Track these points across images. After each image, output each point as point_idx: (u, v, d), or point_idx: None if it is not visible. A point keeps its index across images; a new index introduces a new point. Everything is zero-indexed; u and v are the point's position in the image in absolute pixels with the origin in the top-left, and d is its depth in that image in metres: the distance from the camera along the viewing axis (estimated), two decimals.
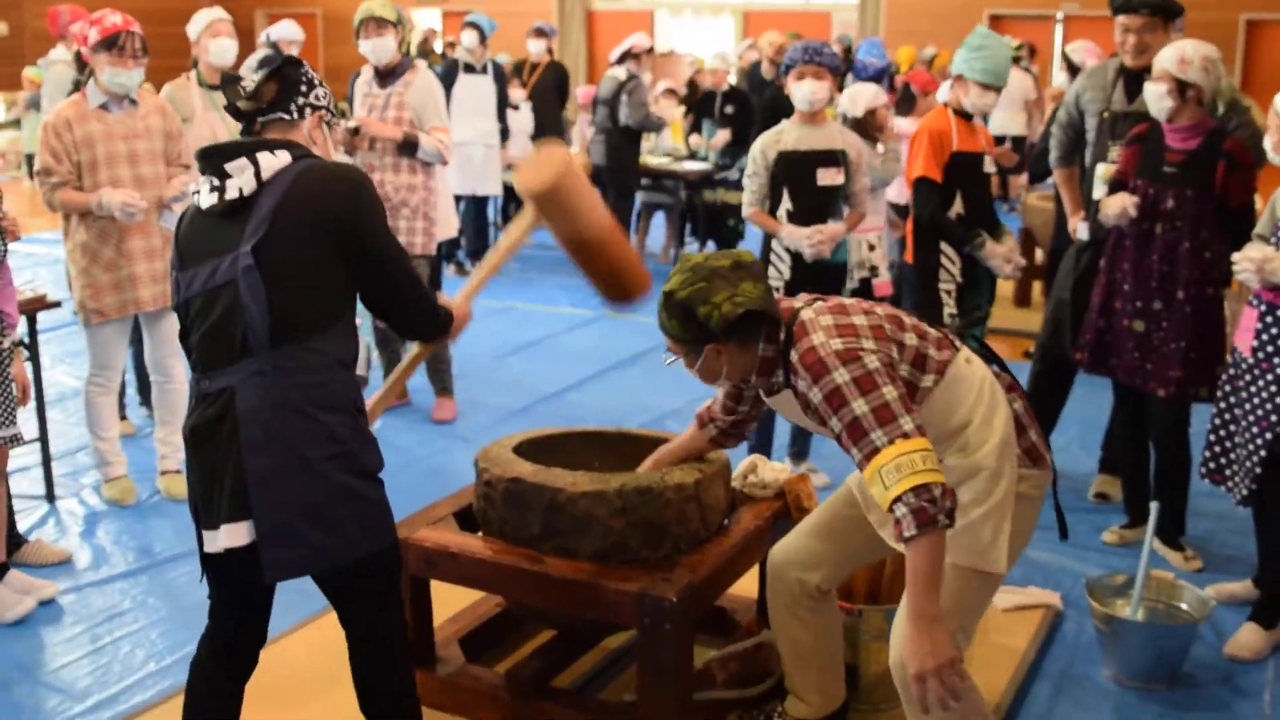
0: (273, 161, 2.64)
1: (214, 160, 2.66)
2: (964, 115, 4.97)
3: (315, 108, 2.82)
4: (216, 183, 2.66)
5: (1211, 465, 4.02)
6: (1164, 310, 4.28)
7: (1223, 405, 3.96)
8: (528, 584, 3.17)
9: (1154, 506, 3.79)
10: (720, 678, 3.39)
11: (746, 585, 3.67)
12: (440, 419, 6.19)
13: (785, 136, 4.95)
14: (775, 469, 3.67)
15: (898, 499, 2.47)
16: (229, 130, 5.25)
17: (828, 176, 4.92)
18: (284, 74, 2.78)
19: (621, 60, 9.63)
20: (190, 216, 2.74)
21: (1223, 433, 3.97)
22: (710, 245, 10.07)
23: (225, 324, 2.62)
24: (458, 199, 8.83)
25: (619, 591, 3.04)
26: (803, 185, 4.91)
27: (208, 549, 2.68)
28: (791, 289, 4.93)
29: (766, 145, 4.96)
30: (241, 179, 2.63)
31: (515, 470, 3.27)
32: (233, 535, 2.60)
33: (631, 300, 3.30)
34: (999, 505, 2.74)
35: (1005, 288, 7.83)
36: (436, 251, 5.96)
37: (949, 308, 4.97)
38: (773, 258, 5.03)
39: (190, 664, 2.89)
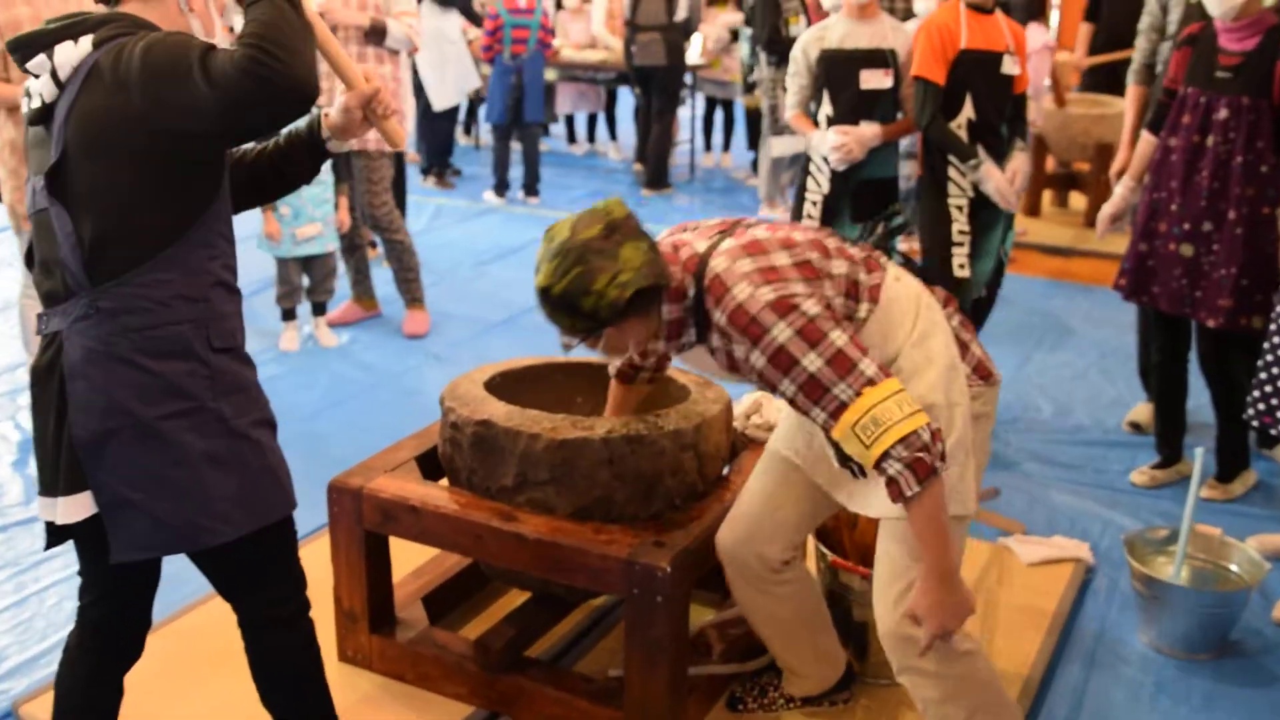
0: (69, 56, 2.10)
1: (18, 56, 2.16)
2: (978, 9, 4.30)
3: None
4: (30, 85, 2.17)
5: (1261, 406, 3.61)
6: (1214, 232, 3.85)
7: (1277, 340, 3.54)
8: (499, 545, 2.75)
9: (1198, 452, 3.38)
10: (718, 647, 3.01)
11: None
12: (412, 333, 5.77)
13: (829, 33, 4.50)
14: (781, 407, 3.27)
15: (885, 455, 2.15)
16: None
17: (872, 79, 4.45)
18: None
19: None
20: (26, 121, 2.23)
21: (1275, 370, 3.56)
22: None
23: (50, 255, 2.16)
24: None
25: (604, 557, 2.64)
26: (843, 87, 4.46)
27: (43, 516, 2.24)
28: (828, 204, 4.52)
29: (808, 43, 4.53)
30: (41, 83, 2.13)
31: (486, 411, 2.84)
32: (72, 509, 2.17)
33: None
34: (959, 441, 2.41)
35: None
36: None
37: (959, 224, 4.39)
38: (811, 168, 4.58)
39: (61, 655, 2.42)
